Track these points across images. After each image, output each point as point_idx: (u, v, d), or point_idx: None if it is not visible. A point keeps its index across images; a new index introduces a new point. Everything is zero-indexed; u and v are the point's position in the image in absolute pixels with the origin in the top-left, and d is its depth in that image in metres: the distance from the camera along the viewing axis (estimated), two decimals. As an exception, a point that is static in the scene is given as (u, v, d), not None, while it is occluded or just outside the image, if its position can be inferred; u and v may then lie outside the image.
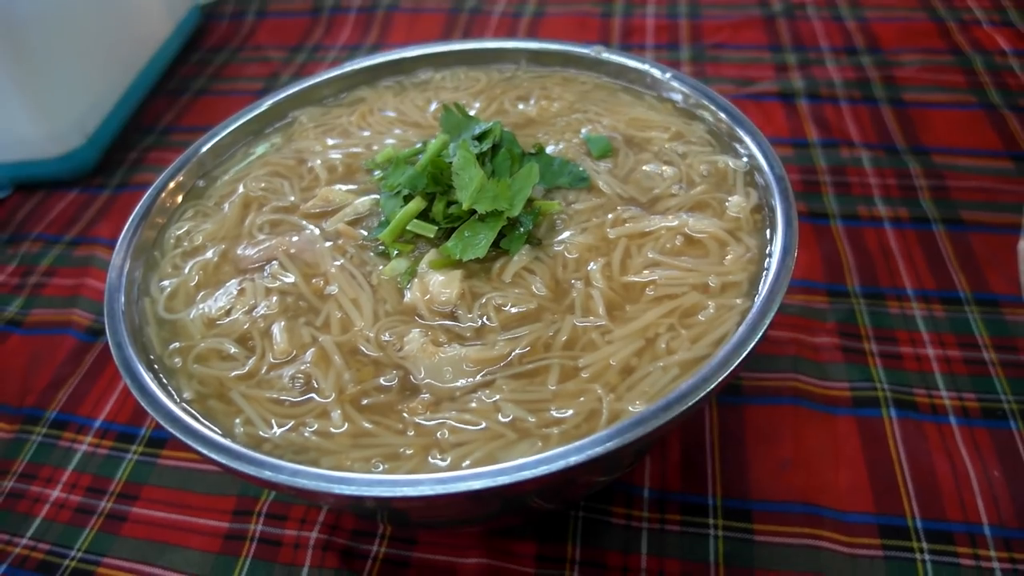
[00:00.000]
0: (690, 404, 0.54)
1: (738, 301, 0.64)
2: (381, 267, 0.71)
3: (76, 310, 1.02)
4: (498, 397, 0.60)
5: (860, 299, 0.90)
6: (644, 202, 0.75)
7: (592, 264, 0.69)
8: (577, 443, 0.52)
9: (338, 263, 0.72)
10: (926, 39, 1.31)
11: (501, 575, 0.71)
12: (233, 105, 1.35)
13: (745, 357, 0.57)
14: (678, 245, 0.70)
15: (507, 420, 0.59)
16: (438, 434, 0.59)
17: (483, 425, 0.59)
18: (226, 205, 0.81)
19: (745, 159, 0.77)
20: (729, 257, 0.68)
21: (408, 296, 0.68)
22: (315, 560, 0.74)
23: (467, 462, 0.57)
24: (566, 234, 0.72)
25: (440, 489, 0.51)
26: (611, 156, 0.80)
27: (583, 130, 0.84)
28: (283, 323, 0.68)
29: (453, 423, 0.59)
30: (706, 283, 0.66)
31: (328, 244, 0.74)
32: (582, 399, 0.60)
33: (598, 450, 0.52)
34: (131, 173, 1.25)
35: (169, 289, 0.73)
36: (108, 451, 0.86)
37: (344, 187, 0.81)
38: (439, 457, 0.57)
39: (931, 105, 1.17)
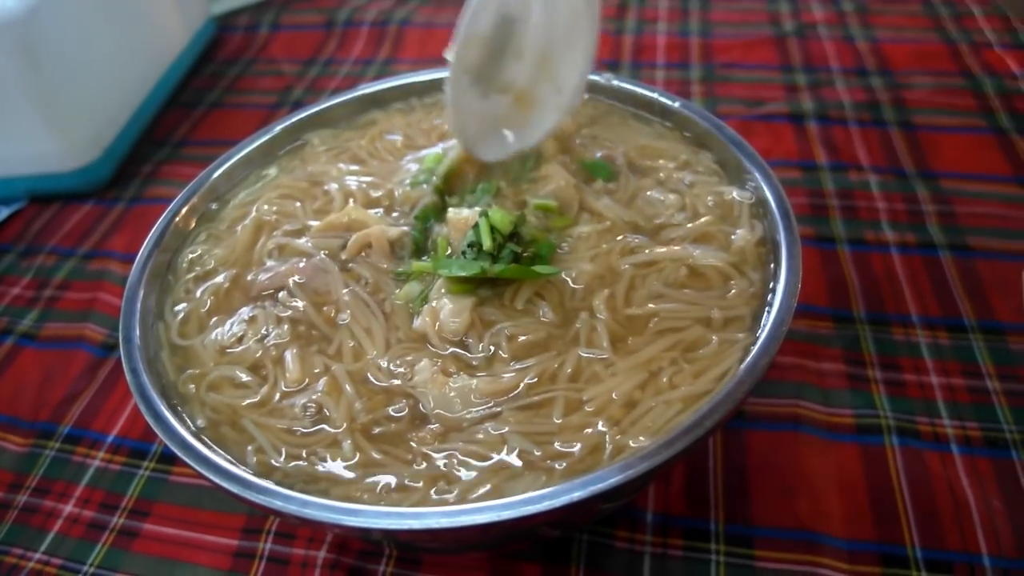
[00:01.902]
0: (691, 441, 0.55)
1: (741, 336, 0.65)
2: (396, 291, 0.72)
3: (89, 324, 1.03)
4: (505, 429, 0.61)
5: (865, 325, 0.91)
6: (647, 229, 0.76)
7: (597, 294, 0.69)
8: (581, 479, 0.53)
9: (349, 290, 0.73)
10: (937, 61, 1.31)
11: (506, 598, 0.72)
12: (246, 119, 1.38)
13: (746, 394, 0.58)
14: (682, 277, 0.70)
15: (513, 453, 0.60)
16: (445, 465, 0.60)
17: (490, 458, 0.60)
18: (238, 228, 0.82)
19: (751, 191, 0.77)
20: (733, 291, 0.69)
21: (417, 322, 0.69)
22: (323, 579, 0.75)
23: (474, 495, 0.57)
24: (572, 259, 0.73)
25: (445, 523, 0.52)
26: (613, 180, 0.81)
27: (598, 154, 0.85)
28: (295, 351, 0.69)
29: (460, 455, 0.60)
30: (709, 316, 0.67)
31: (339, 271, 0.75)
32: (588, 431, 0.60)
33: (601, 486, 0.53)
34: (145, 186, 1.26)
35: (182, 315, 0.74)
36: (120, 467, 0.87)
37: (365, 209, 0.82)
38: (447, 489, 0.58)
39: (940, 129, 1.17)
